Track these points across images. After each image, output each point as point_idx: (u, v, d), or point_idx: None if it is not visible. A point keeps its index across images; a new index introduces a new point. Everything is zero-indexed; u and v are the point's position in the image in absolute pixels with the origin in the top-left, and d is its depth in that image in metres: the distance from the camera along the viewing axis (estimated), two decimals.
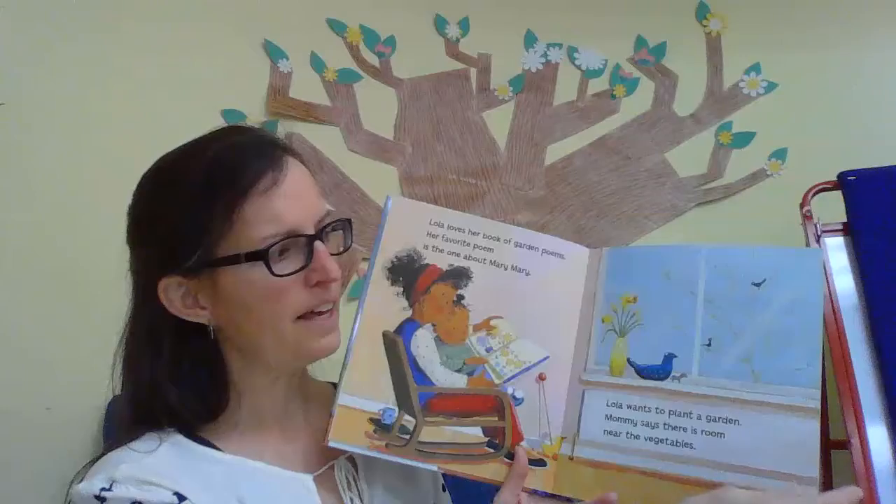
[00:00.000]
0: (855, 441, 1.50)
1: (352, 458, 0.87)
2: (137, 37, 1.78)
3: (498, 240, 0.90)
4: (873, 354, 1.59)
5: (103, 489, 0.72)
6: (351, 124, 1.96)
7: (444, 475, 0.95)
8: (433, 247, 0.89)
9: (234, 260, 0.76)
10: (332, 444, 0.81)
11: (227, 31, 1.87)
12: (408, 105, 2.01)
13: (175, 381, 0.80)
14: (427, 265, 0.88)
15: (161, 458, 0.77)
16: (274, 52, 1.90)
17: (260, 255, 0.76)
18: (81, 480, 0.76)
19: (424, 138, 2.01)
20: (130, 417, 0.82)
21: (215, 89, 1.83)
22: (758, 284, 0.83)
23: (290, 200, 0.78)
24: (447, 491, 0.97)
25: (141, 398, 0.81)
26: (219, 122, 1.79)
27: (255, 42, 1.90)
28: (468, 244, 0.89)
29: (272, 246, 0.76)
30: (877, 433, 1.52)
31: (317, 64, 1.94)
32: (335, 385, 0.86)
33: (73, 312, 1.66)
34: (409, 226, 0.89)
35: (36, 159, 1.67)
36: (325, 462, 0.85)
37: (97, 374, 1.58)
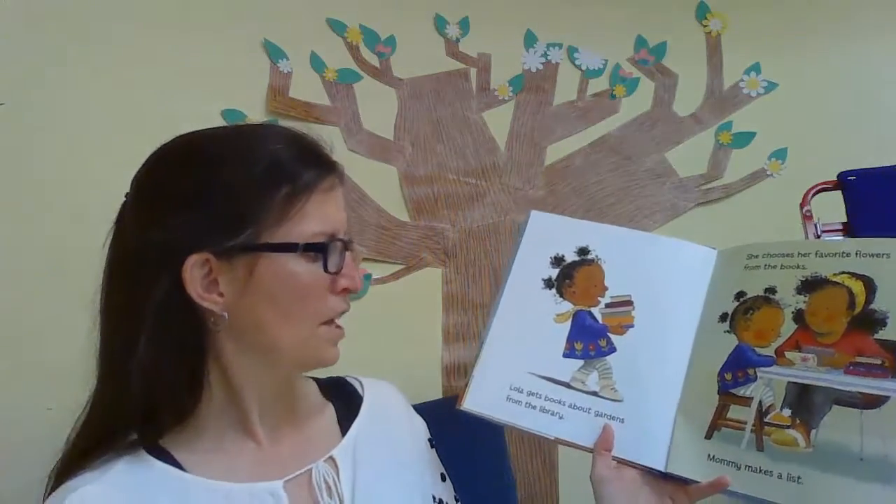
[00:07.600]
0: None
1: (333, 460, 0.86)
2: (137, 37, 1.78)
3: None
4: None
5: None
6: (351, 124, 1.96)
7: (445, 467, 0.98)
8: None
9: (290, 248, 0.77)
10: (465, 408, 0.92)
11: (226, 31, 1.87)
12: (408, 105, 2.01)
13: (154, 371, 0.77)
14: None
15: (111, 485, 0.77)
16: (274, 52, 1.90)
17: (319, 248, 0.79)
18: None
19: (424, 138, 2.01)
20: (99, 418, 0.82)
21: (215, 89, 1.83)
22: None
23: (338, 206, 0.84)
24: (447, 480, 0.97)
25: (117, 388, 0.80)
26: (219, 122, 1.79)
27: (255, 42, 1.90)
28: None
29: (330, 242, 0.80)
30: None
31: (317, 64, 1.94)
32: (317, 380, 0.93)
33: (73, 312, 1.66)
34: (548, 237, 1.02)
35: (35, 160, 1.67)
36: (305, 465, 0.84)
37: None
